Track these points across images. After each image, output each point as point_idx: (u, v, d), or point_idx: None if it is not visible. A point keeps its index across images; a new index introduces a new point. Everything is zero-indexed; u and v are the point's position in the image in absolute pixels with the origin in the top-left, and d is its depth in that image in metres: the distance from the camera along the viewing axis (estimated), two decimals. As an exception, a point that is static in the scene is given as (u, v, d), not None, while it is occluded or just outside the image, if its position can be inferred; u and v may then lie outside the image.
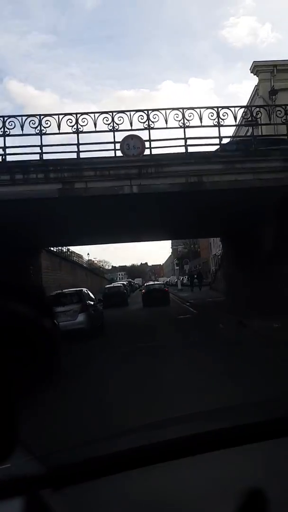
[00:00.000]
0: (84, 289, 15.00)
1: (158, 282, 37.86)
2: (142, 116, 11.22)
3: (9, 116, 10.92)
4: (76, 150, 11.04)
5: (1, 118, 10.75)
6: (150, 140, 11.30)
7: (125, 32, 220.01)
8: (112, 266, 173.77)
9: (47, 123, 10.96)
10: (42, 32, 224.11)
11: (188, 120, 11.28)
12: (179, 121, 11.30)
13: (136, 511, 0.78)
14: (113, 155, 11.25)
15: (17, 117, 10.91)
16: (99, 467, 0.89)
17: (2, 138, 10.72)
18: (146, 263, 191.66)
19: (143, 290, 29.67)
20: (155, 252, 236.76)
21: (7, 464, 0.74)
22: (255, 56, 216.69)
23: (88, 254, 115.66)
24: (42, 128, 10.81)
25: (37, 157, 11.06)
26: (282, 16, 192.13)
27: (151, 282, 38.33)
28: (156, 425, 1.25)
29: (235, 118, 11.67)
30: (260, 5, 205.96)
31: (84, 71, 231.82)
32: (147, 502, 0.79)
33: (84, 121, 11.00)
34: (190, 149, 11.57)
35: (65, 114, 11.06)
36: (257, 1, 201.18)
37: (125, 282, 45.73)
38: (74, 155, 11.12)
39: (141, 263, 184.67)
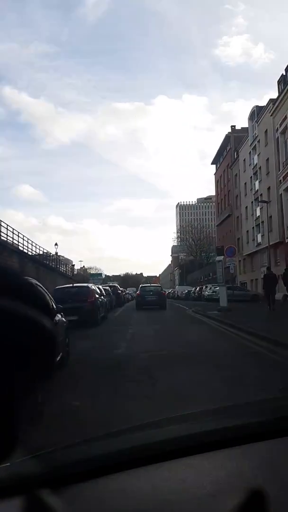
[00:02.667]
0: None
1: (154, 285, 33.18)
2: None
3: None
4: None
5: None
6: None
7: (124, 46, 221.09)
8: (105, 275, 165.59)
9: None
10: (44, 42, 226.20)
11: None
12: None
13: (137, 510, 0.77)
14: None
15: None
16: (99, 466, 0.88)
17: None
18: (141, 274, 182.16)
19: (137, 292, 27.22)
20: (151, 265, 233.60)
21: (6, 463, 0.74)
22: (249, 75, 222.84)
23: (83, 266, 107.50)
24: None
25: None
26: (274, 36, 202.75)
27: (147, 284, 33.76)
28: (156, 424, 1.21)
29: None
30: (252, 24, 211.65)
31: (84, 82, 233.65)
32: (148, 501, 0.79)
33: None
34: None
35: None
36: (249, 20, 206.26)
37: (105, 287, 24.96)
38: None
39: (136, 273, 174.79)
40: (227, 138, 53.98)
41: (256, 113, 40.73)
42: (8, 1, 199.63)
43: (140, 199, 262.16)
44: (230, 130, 53.94)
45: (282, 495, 0.76)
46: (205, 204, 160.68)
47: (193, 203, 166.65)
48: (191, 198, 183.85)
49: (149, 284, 32.59)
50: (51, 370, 0.55)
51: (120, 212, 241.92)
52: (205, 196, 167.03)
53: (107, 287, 26.47)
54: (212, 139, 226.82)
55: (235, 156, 50.84)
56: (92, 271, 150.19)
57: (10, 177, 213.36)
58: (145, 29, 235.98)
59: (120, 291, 32.82)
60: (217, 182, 61.44)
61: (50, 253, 46.23)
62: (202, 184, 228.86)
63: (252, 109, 42.02)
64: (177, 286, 60.93)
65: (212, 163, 63.63)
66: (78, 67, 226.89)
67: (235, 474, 0.85)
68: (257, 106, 40.96)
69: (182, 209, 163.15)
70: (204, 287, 41.05)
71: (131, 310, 25.52)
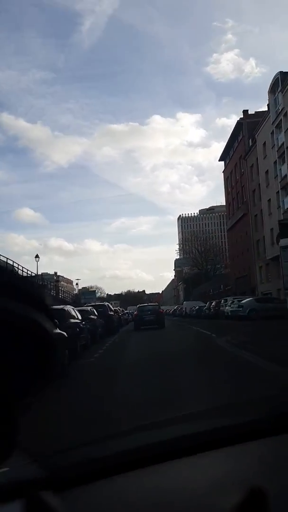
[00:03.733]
0: None
1: (152, 304, 33.73)
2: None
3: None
4: None
5: None
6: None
7: (119, 69, 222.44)
8: (107, 294, 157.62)
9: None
10: (41, 69, 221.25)
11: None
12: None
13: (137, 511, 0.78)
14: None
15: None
16: (98, 468, 0.88)
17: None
18: (143, 291, 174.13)
19: (135, 312, 26.75)
20: (153, 282, 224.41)
21: (6, 467, 0.75)
22: (241, 91, 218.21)
23: (77, 283, 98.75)
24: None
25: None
26: (264, 50, 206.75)
27: (145, 304, 33.10)
28: (156, 424, 1.21)
29: None
30: (242, 40, 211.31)
31: (81, 106, 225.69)
32: (148, 503, 0.79)
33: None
34: None
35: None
36: (238, 36, 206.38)
37: (85, 308, 18.50)
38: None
39: (138, 291, 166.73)
40: (239, 126, 45.68)
41: (281, 81, 32.41)
42: (6, 31, 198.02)
43: (140, 217, 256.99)
44: (241, 116, 45.70)
45: (282, 493, 0.75)
46: (207, 215, 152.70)
47: (195, 214, 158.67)
48: (191, 210, 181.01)
49: (146, 304, 31.73)
50: (51, 374, 0.54)
51: (120, 231, 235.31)
52: (207, 207, 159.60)
53: (88, 308, 17.98)
54: (207, 154, 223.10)
55: (250, 144, 42.46)
56: (93, 289, 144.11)
57: (10, 201, 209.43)
58: (138, 52, 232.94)
59: (112, 313, 24.04)
60: (226, 180, 53.02)
61: (33, 274, 39.63)
62: (200, 199, 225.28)
63: (275, 77, 33.67)
64: (184, 302, 51.92)
65: (220, 160, 55.35)
66: (74, 92, 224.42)
67: (235, 473, 0.85)
68: (281, 72, 32.66)
69: (184, 221, 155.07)
70: (222, 301, 32.00)
71: (127, 339, 17.68)
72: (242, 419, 1.10)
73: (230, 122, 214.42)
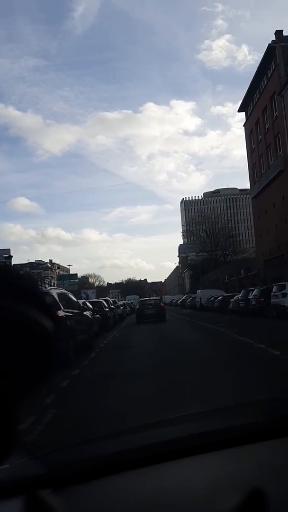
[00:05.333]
0: None
1: (153, 298, 33.95)
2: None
3: None
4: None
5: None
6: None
7: (113, 56, 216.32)
8: (108, 283, 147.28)
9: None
10: (34, 56, 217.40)
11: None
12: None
13: (137, 510, 0.78)
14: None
15: None
16: (99, 467, 0.89)
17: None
18: (145, 280, 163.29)
19: (137, 306, 27.57)
20: (155, 271, 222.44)
21: (6, 464, 0.74)
22: (235, 78, 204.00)
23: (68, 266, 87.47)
24: None
25: None
26: (257, 37, 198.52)
27: (147, 298, 33.46)
28: (156, 425, 1.22)
29: None
30: (233, 25, 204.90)
31: (76, 94, 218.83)
32: (148, 502, 0.79)
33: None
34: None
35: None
36: (229, 21, 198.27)
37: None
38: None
39: (140, 280, 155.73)
40: (269, 53, 33.34)
41: None
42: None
43: (138, 207, 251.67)
44: (273, 39, 33.32)
45: (282, 495, 0.75)
46: (213, 198, 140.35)
47: (200, 197, 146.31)
48: (195, 193, 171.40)
49: (148, 298, 32.34)
50: (50, 371, 0.53)
51: (119, 220, 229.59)
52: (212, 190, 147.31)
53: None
54: (203, 143, 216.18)
55: (290, 71, 30.24)
56: (91, 279, 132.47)
57: (5, 191, 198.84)
58: (131, 38, 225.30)
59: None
60: (249, 134, 40.79)
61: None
62: (200, 188, 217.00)
63: None
64: (199, 291, 39.84)
65: (241, 110, 43.02)
66: (67, 79, 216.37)
67: (235, 474, 0.84)
68: None
69: (188, 205, 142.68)
70: (274, 288, 19.77)
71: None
72: (244, 420, 1.08)
73: (225, 110, 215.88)
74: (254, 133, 38.88)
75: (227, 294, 30.26)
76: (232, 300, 26.49)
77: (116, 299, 31.07)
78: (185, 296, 55.66)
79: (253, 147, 39.92)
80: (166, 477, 0.85)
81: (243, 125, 42.71)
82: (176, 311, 40.60)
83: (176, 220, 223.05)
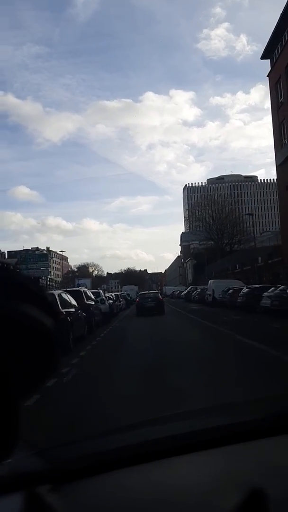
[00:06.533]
0: None
1: (153, 291, 33.42)
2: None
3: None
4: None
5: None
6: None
7: (115, 44, 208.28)
8: (107, 273, 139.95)
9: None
10: (36, 43, 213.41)
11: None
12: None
13: (136, 507, 0.77)
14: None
15: None
16: (99, 463, 0.88)
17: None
18: (145, 270, 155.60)
19: (137, 299, 27.56)
20: (155, 262, 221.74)
21: (7, 460, 0.73)
22: (233, 68, 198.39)
23: (61, 251, 79.88)
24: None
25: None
26: (256, 27, 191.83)
27: (146, 291, 33.39)
28: (156, 421, 1.22)
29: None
30: (231, 13, 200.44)
31: (78, 81, 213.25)
32: (148, 498, 0.79)
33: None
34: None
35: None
36: (228, 10, 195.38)
37: None
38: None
39: (140, 270, 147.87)
40: None
41: None
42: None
43: (138, 197, 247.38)
44: None
45: (282, 493, 0.74)
46: (217, 185, 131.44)
47: (203, 184, 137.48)
48: (198, 180, 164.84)
49: (148, 291, 31.45)
50: (51, 369, 0.53)
51: (119, 211, 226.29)
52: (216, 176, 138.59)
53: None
54: (203, 134, 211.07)
55: None
56: (90, 269, 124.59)
57: (4, 179, 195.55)
58: (133, 26, 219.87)
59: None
60: (275, 85, 32.08)
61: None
62: (201, 178, 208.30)
63: None
64: (211, 281, 30.97)
65: (264, 56, 34.24)
66: (70, 67, 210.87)
67: (235, 471, 0.84)
68: None
69: (190, 191, 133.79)
70: None
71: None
72: (244, 418, 1.07)
73: (224, 101, 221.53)
74: (284, 82, 30.22)
75: (255, 286, 21.90)
76: (266, 294, 18.14)
77: (101, 290, 22.47)
78: (189, 287, 47.17)
79: (280, 100, 31.26)
80: (166, 474, 0.84)
81: (267, 75, 33.99)
82: (180, 306, 32.14)
83: (176, 211, 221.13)
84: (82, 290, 14.90)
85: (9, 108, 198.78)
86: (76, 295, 13.50)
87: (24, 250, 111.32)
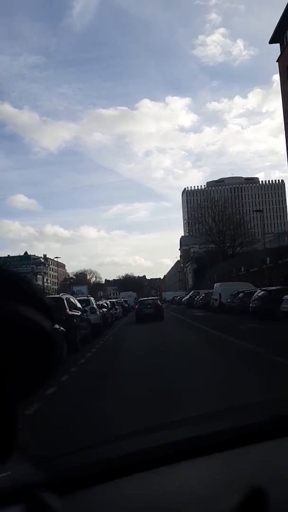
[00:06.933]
0: None
1: (152, 297, 34.43)
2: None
3: None
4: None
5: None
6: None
7: (111, 53, 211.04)
8: (106, 280, 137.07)
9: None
10: (33, 53, 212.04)
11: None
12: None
13: None
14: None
15: None
16: (99, 471, 0.88)
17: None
18: (144, 276, 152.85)
19: (136, 306, 26.95)
20: (153, 268, 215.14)
21: (7, 471, 0.74)
22: (229, 73, 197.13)
23: (56, 258, 77.25)
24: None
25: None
26: (252, 31, 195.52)
27: (145, 298, 32.13)
28: (156, 428, 1.20)
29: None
30: (227, 19, 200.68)
31: (74, 90, 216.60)
32: (149, 506, 0.79)
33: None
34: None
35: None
36: (223, 15, 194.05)
37: None
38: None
39: (138, 276, 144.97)
40: None
41: None
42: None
43: (135, 204, 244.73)
44: None
45: (282, 495, 0.75)
46: (217, 188, 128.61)
47: (203, 187, 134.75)
48: (196, 183, 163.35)
49: (147, 298, 30.28)
50: (50, 373, 0.52)
51: (117, 218, 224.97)
52: (216, 179, 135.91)
53: None
54: (199, 140, 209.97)
55: None
56: (88, 276, 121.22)
57: (3, 188, 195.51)
58: (130, 35, 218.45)
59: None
60: (286, 69, 29.24)
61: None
62: (198, 184, 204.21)
63: None
64: (217, 284, 27.64)
65: (273, 40, 31.36)
66: (67, 76, 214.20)
67: (235, 476, 0.84)
68: None
69: (189, 195, 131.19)
70: None
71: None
72: (242, 422, 1.07)
73: (221, 106, 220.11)
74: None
75: (272, 288, 18.81)
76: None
77: (91, 298, 18.62)
78: (191, 292, 43.98)
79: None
80: (167, 481, 0.84)
81: (277, 60, 31.13)
82: (183, 313, 29.05)
83: (174, 217, 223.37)
84: (64, 298, 11.82)
85: (6, 117, 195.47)
86: (57, 303, 10.64)
87: (8, 256, 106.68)
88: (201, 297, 33.26)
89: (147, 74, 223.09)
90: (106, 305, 22.39)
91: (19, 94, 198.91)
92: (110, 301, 28.16)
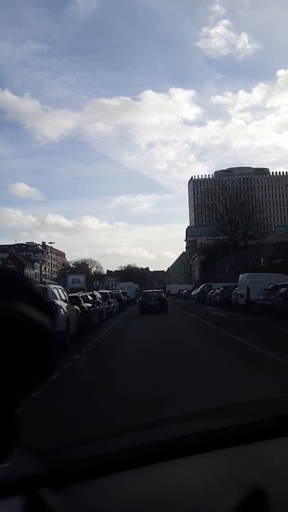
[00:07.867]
0: None
1: (156, 290, 34.72)
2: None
3: None
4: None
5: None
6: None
7: (116, 42, 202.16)
8: (108, 271, 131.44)
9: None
10: (37, 41, 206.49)
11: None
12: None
13: (136, 510, 0.78)
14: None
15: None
16: (98, 465, 0.88)
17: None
18: (147, 268, 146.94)
19: (140, 298, 26.98)
20: (156, 260, 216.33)
21: (6, 463, 0.73)
22: (233, 67, 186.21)
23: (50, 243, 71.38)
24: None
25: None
26: (256, 26, 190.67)
27: (149, 290, 33.50)
28: (157, 423, 1.21)
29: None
30: (231, 11, 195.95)
31: (79, 79, 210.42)
32: (147, 501, 0.79)
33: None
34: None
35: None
36: (228, 7, 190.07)
37: None
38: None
39: (141, 268, 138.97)
40: None
41: None
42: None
43: (139, 195, 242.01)
44: None
45: (282, 495, 0.74)
46: (226, 177, 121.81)
47: (211, 176, 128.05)
48: (204, 172, 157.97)
49: (151, 290, 30.90)
50: (50, 370, 0.52)
51: (120, 209, 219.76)
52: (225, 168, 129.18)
53: None
54: (204, 133, 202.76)
55: None
56: (89, 266, 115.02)
57: (4, 176, 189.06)
58: (135, 24, 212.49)
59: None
60: None
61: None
62: (199, 174, 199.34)
63: None
64: (244, 276, 21.42)
65: None
66: (71, 65, 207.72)
67: (235, 473, 0.84)
68: None
69: (196, 184, 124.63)
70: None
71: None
72: (244, 420, 1.07)
73: (225, 100, 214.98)
74: None
75: None
76: None
77: (57, 286, 12.04)
78: (202, 285, 37.62)
79: None
80: (166, 476, 0.84)
81: None
82: (196, 311, 22.62)
83: (178, 210, 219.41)
84: (49, 288, 8.17)
85: (7, 105, 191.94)
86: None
87: (16, 244, 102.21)
88: (218, 291, 26.92)
89: (151, 65, 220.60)
90: (91, 298, 15.91)
91: (22, 81, 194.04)
92: (101, 292, 21.96)
